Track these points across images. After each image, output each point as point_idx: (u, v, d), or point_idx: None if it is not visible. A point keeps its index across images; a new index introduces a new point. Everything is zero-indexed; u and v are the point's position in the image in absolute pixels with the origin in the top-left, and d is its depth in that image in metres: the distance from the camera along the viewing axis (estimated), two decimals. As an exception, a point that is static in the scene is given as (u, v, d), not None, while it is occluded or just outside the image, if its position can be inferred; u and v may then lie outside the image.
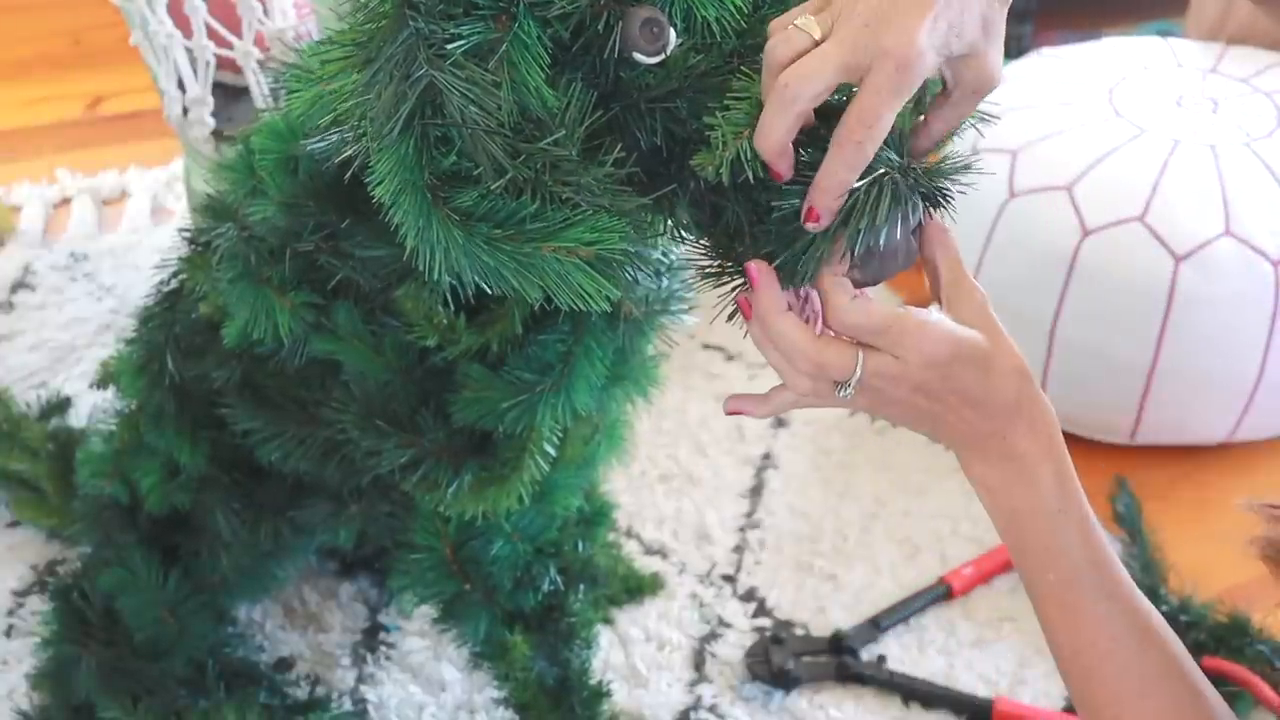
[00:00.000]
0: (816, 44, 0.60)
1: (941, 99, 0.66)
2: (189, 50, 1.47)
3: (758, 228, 0.66)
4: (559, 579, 1.04)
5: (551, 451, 0.91)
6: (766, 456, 1.51)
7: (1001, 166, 1.48)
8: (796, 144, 0.63)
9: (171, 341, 0.99)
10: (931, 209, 0.66)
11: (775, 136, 0.61)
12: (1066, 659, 0.73)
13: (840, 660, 1.25)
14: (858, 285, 0.66)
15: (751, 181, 0.63)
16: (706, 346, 1.67)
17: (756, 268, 0.65)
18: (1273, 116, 1.50)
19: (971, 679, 1.25)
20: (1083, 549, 0.71)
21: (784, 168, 0.62)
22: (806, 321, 0.67)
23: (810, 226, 0.63)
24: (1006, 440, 0.69)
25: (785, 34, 0.61)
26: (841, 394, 0.68)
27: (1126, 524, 1.40)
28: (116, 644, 1.07)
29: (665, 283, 0.89)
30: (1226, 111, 1.52)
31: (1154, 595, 1.28)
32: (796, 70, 0.59)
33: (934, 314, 0.68)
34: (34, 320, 1.71)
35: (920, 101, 0.67)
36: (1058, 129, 1.49)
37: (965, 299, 0.69)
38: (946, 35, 0.60)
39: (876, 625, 1.29)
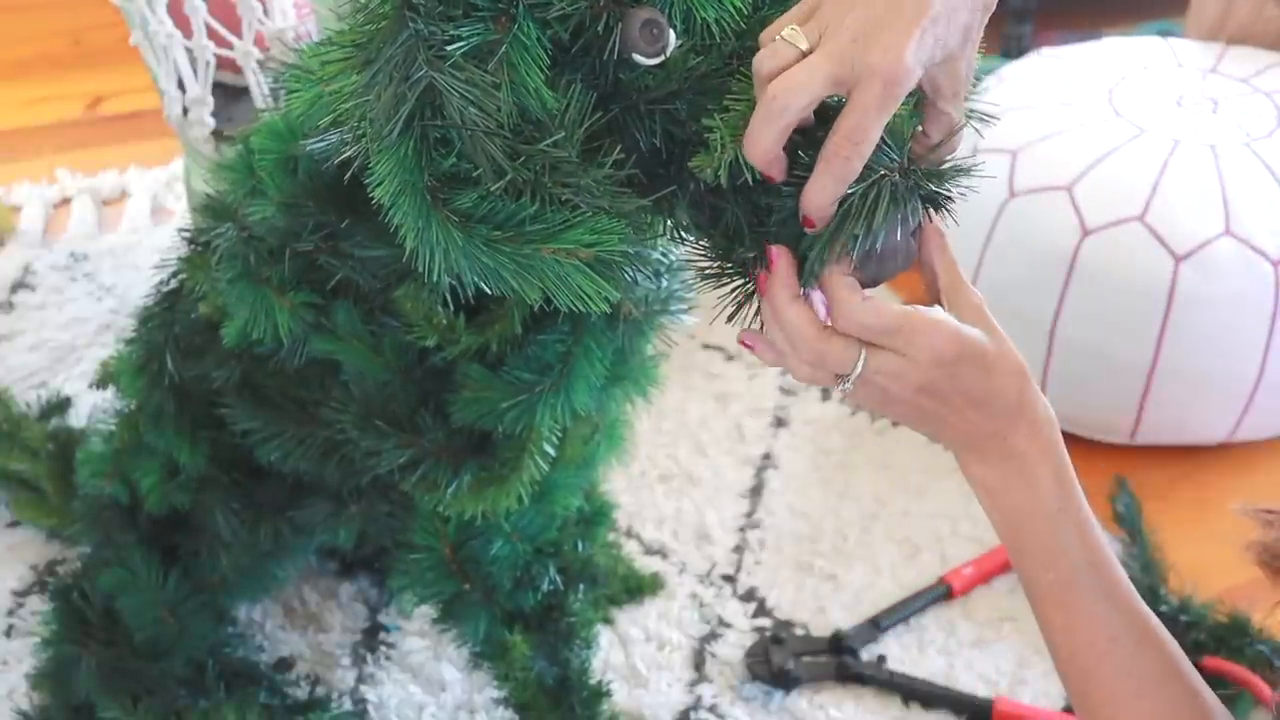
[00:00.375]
0: (804, 55, 0.60)
1: (927, 108, 0.66)
2: (189, 50, 1.47)
3: (757, 229, 0.66)
4: (559, 579, 1.04)
5: (551, 451, 0.91)
6: (766, 456, 1.51)
7: (1001, 166, 1.48)
8: (796, 146, 0.63)
9: (171, 341, 0.99)
10: (932, 211, 0.66)
11: (763, 146, 0.61)
12: (1064, 659, 0.73)
13: (840, 660, 1.25)
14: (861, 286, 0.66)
15: (750, 184, 0.63)
16: (706, 346, 1.66)
17: (777, 252, 0.65)
18: (1273, 116, 1.50)
19: (971, 679, 1.25)
20: (1081, 549, 0.71)
21: (775, 173, 0.63)
22: None
23: (809, 231, 0.63)
24: (1007, 441, 0.70)
25: (772, 47, 0.61)
26: (841, 387, 0.68)
27: (1126, 524, 1.40)
28: (116, 644, 1.07)
29: (665, 283, 0.89)
30: (1226, 111, 1.52)
31: (1154, 595, 1.28)
32: (785, 82, 0.59)
33: (941, 313, 0.68)
34: (34, 320, 1.71)
35: (920, 103, 0.67)
36: (1058, 129, 1.49)
37: (965, 301, 0.69)
38: (933, 49, 0.60)
39: (876, 625, 1.29)
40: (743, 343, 0.71)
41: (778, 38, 0.61)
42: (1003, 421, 0.69)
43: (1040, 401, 0.70)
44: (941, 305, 0.70)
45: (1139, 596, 0.73)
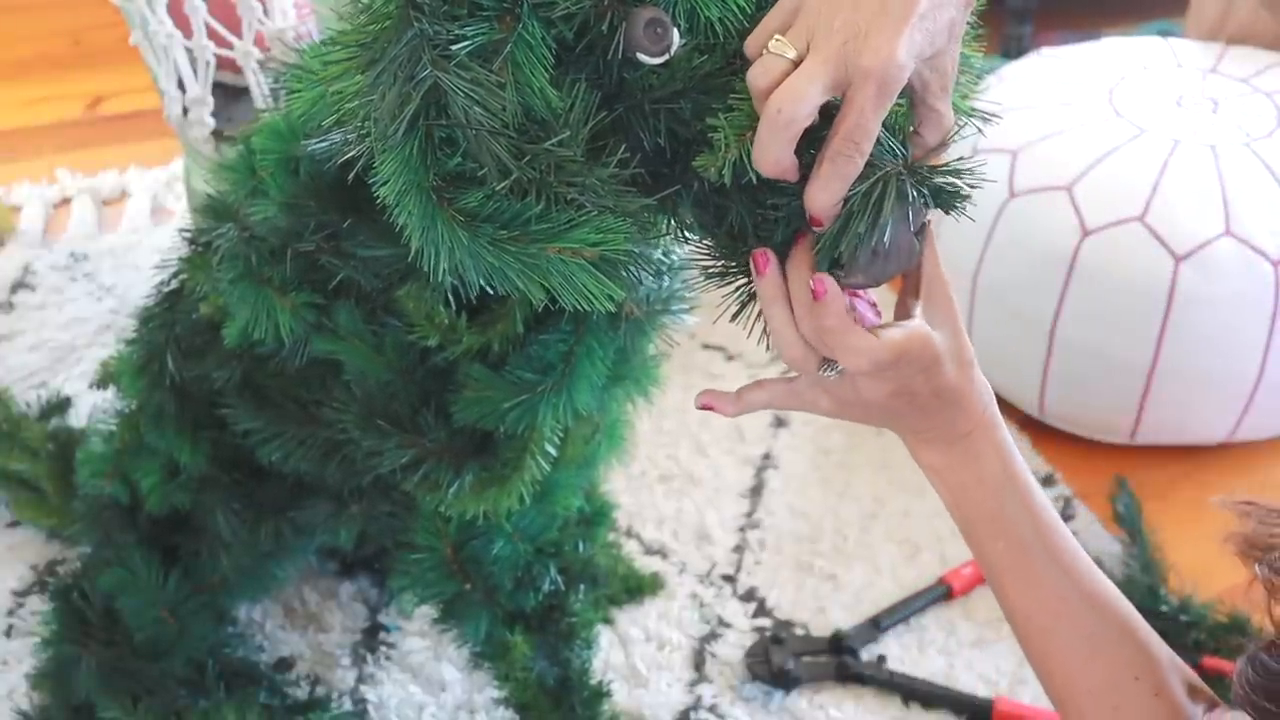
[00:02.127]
0: (793, 64, 0.60)
1: (918, 106, 0.66)
2: (189, 50, 1.47)
3: (761, 228, 0.66)
4: (559, 579, 1.04)
5: (552, 451, 0.91)
6: (766, 456, 1.51)
7: (1001, 166, 1.48)
8: (799, 147, 0.63)
9: (172, 342, 0.99)
10: (944, 210, 0.66)
11: (773, 157, 0.61)
12: (1021, 624, 0.76)
13: (840, 660, 1.25)
14: (861, 287, 0.66)
15: (755, 183, 0.63)
16: (707, 346, 1.67)
17: (799, 237, 0.66)
18: (1273, 116, 1.50)
19: (971, 679, 1.25)
20: (1026, 516, 0.74)
21: (791, 176, 0.63)
22: None
23: (816, 229, 0.63)
24: (955, 425, 0.73)
25: (761, 61, 0.61)
26: (826, 372, 0.70)
27: (1126, 524, 1.40)
28: (116, 644, 1.07)
29: (667, 282, 0.89)
30: (1226, 111, 1.52)
31: (1154, 595, 1.28)
32: (788, 94, 0.60)
33: (919, 322, 0.70)
34: (34, 320, 1.71)
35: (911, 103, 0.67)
36: (1058, 129, 1.49)
37: (939, 292, 0.72)
38: (922, 45, 0.61)
39: (876, 625, 1.29)
40: (701, 407, 0.75)
41: (765, 51, 0.61)
42: (953, 408, 0.72)
43: (981, 380, 0.74)
44: (916, 298, 0.72)
45: (1089, 561, 0.76)
